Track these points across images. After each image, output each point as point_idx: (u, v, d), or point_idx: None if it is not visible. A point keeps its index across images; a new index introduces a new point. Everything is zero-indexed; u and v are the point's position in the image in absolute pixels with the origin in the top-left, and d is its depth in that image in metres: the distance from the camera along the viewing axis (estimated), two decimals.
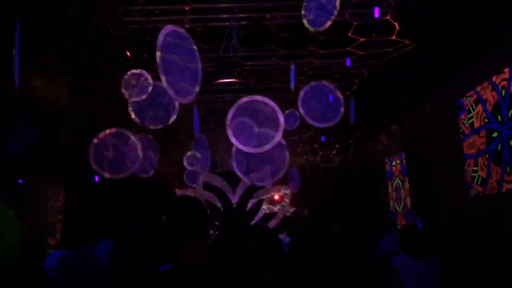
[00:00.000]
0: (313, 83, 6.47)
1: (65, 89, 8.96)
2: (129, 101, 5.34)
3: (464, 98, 7.32)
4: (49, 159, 9.12)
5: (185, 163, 6.56)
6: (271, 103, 5.40)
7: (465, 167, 7.34)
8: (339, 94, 5.77)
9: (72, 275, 4.19)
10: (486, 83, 6.66)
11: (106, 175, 5.18)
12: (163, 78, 3.39)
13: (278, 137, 5.36)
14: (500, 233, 6.07)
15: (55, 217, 9.84)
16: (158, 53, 3.35)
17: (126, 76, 4.62)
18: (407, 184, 9.94)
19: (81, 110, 8.79)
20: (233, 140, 5.60)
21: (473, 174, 7.13)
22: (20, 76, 7.58)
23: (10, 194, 9.11)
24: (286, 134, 9.23)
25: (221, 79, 7.57)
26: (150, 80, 4.34)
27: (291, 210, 11.61)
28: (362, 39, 6.11)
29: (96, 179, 10.05)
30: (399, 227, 10.26)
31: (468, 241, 4.86)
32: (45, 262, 5.22)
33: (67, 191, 10.07)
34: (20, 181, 9.04)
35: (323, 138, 10.50)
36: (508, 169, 6.13)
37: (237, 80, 8.21)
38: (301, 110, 6.27)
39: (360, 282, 6.17)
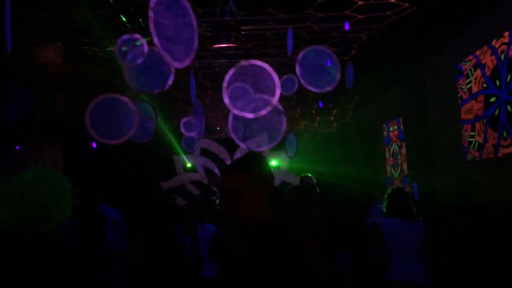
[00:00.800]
0: (311, 48, 6.40)
1: (61, 53, 8.85)
2: (124, 66, 5.28)
3: (463, 63, 7.26)
4: (46, 125, 9.11)
5: (182, 129, 6.55)
6: (267, 67, 5.35)
7: (462, 132, 7.36)
8: (336, 59, 5.70)
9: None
10: (485, 47, 6.60)
11: (102, 140, 5.16)
12: (156, 41, 3.34)
13: (275, 101, 5.33)
14: (496, 198, 6.15)
15: None
16: (151, 14, 3.28)
17: (119, 41, 4.55)
18: (404, 150, 9.98)
19: (77, 75, 8.70)
20: (229, 105, 5.58)
21: (470, 139, 7.16)
22: (14, 41, 7.48)
23: (8, 159, 9.17)
24: (283, 99, 9.22)
25: (217, 44, 7.46)
26: (145, 45, 4.28)
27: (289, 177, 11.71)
28: (361, 2, 5.98)
29: (94, 145, 10.10)
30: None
31: (465, 204, 4.95)
32: None
33: (65, 157, 10.12)
34: (17, 147, 9.06)
35: (320, 104, 10.44)
36: (505, 134, 6.15)
37: (234, 45, 8.08)
38: (298, 74, 6.21)
39: (353, 249, 6.29)
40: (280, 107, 6.44)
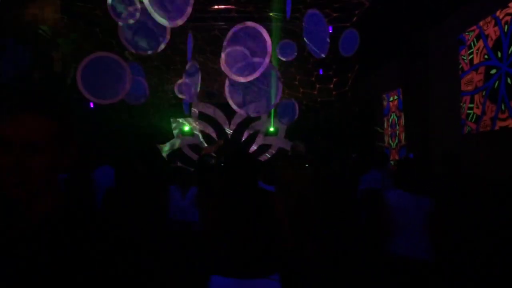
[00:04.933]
0: (313, 12, 6.25)
1: (58, 11, 8.70)
2: (119, 25, 5.18)
3: (466, 33, 7.12)
4: (43, 83, 9.02)
5: (176, 92, 6.46)
6: (259, 28, 5.22)
7: (461, 104, 7.29)
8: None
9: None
10: (489, 18, 6.45)
11: (94, 100, 5.11)
12: None
13: (266, 62, 5.22)
14: (491, 170, 6.13)
15: None
16: None
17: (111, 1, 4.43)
18: (402, 120, 9.92)
19: (74, 34, 8.58)
20: (225, 69, 5.50)
21: (468, 111, 7.09)
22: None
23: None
24: (282, 65, 9.10)
25: (217, 5, 7.30)
26: (138, 3, 4.17)
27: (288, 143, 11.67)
28: None
29: (91, 105, 10.04)
30: (391, 162, 10.40)
31: (458, 177, 4.92)
32: None
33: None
34: None
35: (321, 71, 10.32)
36: (503, 107, 6.09)
37: (234, 7, 7.93)
38: (305, 38, 6.05)
39: (342, 216, 6.30)
40: (277, 72, 6.33)
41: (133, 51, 5.52)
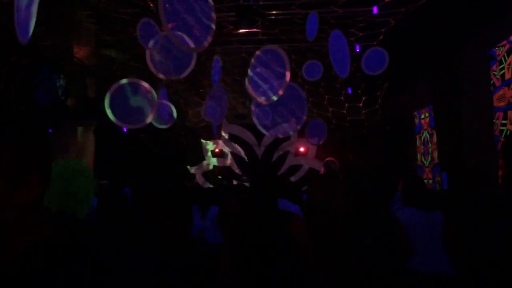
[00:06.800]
0: (335, 33, 6.27)
1: (92, 40, 9.04)
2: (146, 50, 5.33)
3: (497, 48, 6.97)
4: (77, 109, 9.34)
5: (202, 114, 6.57)
6: (277, 49, 5.27)
7: (494, 120, 7.10)
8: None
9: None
10: None
11: (121, 124, 5.26)
12: (165, 24, 3.34)
13: (285, 83, 5.23)
14: None
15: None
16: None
17: (138, 25, 4.59)
18: (435, 138, 9.72)
19: (105, 61, 8.88)
20: (250, 92, 5.57)
21: (501, 128, 6.89)
22: (47, 27, 7.69)
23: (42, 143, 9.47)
24: (310, 85, 9.12)
25: (242, 29, 7.42)
26: (158, 30, 4.30)
27: (319, 163, 11.61)
28: None
29: (125, 129, 10.31)
30: (425, 181, 10.17)
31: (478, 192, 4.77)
32: None
33: (96, 140, 10.36)
34: (50, 130, 9.34)
35: (349, 90, 10.27)
36: None
37: (260, 30, 8.03)
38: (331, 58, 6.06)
39: (374, 237, 6.18)
40: (300, 91, 6.35)
41: (162, 76, 5.67)
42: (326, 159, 7.66)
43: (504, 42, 6.73)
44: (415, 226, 3.69)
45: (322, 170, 7.94)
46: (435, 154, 9.79)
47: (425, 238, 3.67)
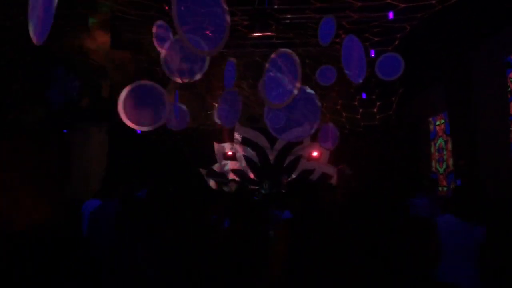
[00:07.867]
0: (350, 37, 6.21)
1: (107, 41, 9.10)
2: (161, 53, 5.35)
3: None
4: (92, 110, 9.41)
5: (215, 118, 6.57)
6: (290, 53, 5.24)
7: (510, 128, 6.98)
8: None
9: (104, 225, 4.23)
10: None
11: (135, 127, 5.26)
12: (178, 28, 3.33)
13: (297, 87, 5.18)
14: None
15: (101, 166, 10.22)
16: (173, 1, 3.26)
17: (153, 29, 4.61)
18: (450, 145, 9.59)
19: (120, 62, 8.93)
20: (263, 96, 5.55)
21: None
22: (62, 28, 7.76)
23: (58, 141, 9.59)
24: (324, 90, 9.06)
25: (255, 32, 7.40)
26: (170, 33, 4.31)
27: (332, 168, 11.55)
28: None
29: (138, 131, 10.36)
30: (440, 189, 10.03)
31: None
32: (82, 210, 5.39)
33: (110, 141, 10.43)
34: (65, 130, 9.43)
35: (364, 95, 10.19)
36: None
37: (274, 34, 8.01)
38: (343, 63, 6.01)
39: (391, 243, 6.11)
40: (316, 99, 6.30)
41: (177, 79, 5.68)
42: (339, 166, 7.62)
43: None
44: (450, 233, 3.57)
45: (335, 176, 7.91)
46: (450, 161, 9.66)
47: (457, 248, 3.55)
